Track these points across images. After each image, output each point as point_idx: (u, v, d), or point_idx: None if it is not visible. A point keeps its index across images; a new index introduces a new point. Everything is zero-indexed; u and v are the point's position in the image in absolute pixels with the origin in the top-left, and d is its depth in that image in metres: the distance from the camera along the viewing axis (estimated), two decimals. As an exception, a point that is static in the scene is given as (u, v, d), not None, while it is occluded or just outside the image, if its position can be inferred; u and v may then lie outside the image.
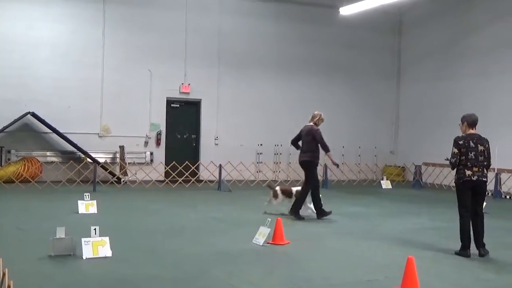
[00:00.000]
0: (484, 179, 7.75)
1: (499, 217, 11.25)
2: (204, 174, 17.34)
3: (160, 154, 17.96)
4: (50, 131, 16.21)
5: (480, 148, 7.74)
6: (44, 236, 7.58)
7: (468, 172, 7.69)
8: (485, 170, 7.78)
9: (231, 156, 17.57)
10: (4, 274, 4.25)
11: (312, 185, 10.81)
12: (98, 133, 17.33)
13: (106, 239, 7.14)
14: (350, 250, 8.09)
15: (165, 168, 16.88)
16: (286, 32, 19.56)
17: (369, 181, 19.40)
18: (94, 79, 17.18)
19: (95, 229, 7.13)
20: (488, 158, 7.81)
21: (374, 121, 20.87)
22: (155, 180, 16.33)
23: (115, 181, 16.13)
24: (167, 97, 18.17)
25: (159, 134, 18.04)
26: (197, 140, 18.74)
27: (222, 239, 8.54)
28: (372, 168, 20.28)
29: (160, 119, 18.10)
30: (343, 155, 18.90)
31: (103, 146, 17.27)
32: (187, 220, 10.40)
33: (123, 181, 16.37)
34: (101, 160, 16.57)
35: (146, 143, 17.93)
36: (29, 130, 16.43)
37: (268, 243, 8.09)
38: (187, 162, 16.86)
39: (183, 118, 18.60)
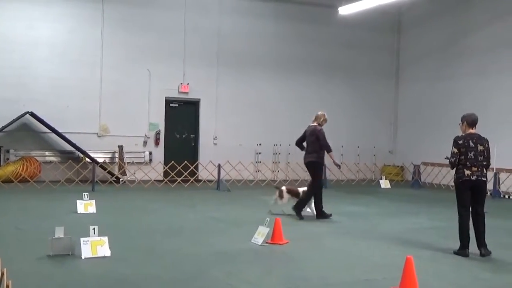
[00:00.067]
0: (483, 178, 7.76)
1: (497, 216, 11.25)
2: (203, 174, 17.35)
3: (159, 153, 17.96)
4: (48, 130, 16.20)
5: (480, 148, 7.75)
6: (43, 236, 7.57)
7: (467, 172, 7.69)
8: (484, 169, 7.78)
9: (230, 156, 17.57)
10: (2, 274, 4.25)
11: (318, 186, 10.86)
12: (97, 133, 17.33)
13: (105, 238, 7.14)
14: (348, 249, 8.10)
15: (164, 168, 16.88)
16: (285, 32, 19.56)
17: (368, 180, 19.41)
18: (93, 79, 17.18)
19: (94, 228, 7.13)
20: (487, 158, 7.82)
21: (373, 120, 20.88)
22: (154, 180, 16.33)
23: (114, 180, 16.12)
24: (166, 97, 18.17)
25: (158, 133, 18.04)
26: (196, 139, 18.74)
27: (221, 239, 8.55)
28: (371, 168, 20.30)
29: (159, 118, 18.10)
30: (342, 154, 18.89)
31: (102, 146, 17.27)
32: (186, 220, 10.40)
33: (122, 180, 16.36)
34: (100, 160, 16.56)
35: (145, 143, 17.93)
36: (28, 130, 16.42)
37: (266, 242, 8.09)
38: (186, 161, 16.85)
39: (182, 117, 18.60)
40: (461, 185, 7.77)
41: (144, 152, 17.82)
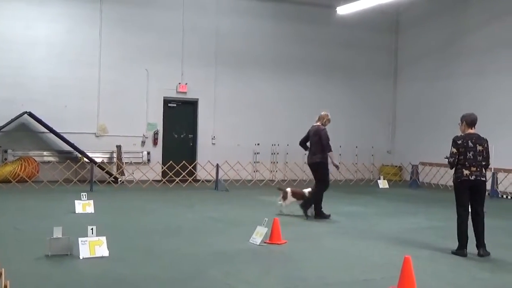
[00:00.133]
0: (482, 178, 7.76)
1: (496, 216, 11.25)
2: (201, 174, 17.34)
3: (157, 153, 17.95)
4: (47, 130, 16.19)
5: (479, 148, 7.75)
6: (41, 236, 7.57)
7: (466, 172, 7.70)
8: (483, 169, 7.78)
9: (228, 156, 17.57)
10: (0, 274, 4.24)
11: (325, 186, 10.92)
12: (95, 133, 17.32)
13: (103, 238, 7.14)
14: (347, 249, 8.10)
15: (162, 168, 16.87)
16: (284, 32, 19.56)
17: (366, 180, 19.42)
18: (91, 79, 17.15)
19: (92, 228, 7.12)
20: (486, 158, 7.81)
21: (371, 120, 20.90)
22: (152, 180, 16.31)
23: (112, 180, 16.10)
24: (164, 97, 18.16)
25: (156, 133, 18.02)
26: (194, 139, 18.74)
27: (219, 239, 8.55)
28: (369, 168, 20.31)
29: (157, 118, 18.09)
30: (340, 154, 18.85)
31: (100, 146, 17.26)
32: (184, 220, 10.40)
33: (120, 180, 16.34)
34: (98, 160, 16.53)
35: (143, 143, 17.92)
36: (26, 130, 16.40)
37: (265, 242, 8.09)
38: (184, 161, 16.84)
39: (180, 117, 18.59)
40: (460, 185, 7.77)
41: (142, 152, 17.81)
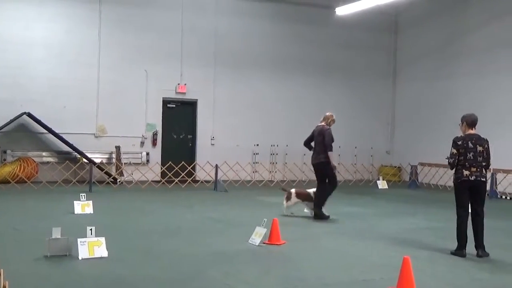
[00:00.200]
0: (482, 179, 7.75)
1: (495, 217, 11.25)
2: (200, 175, 17.31)
3: (156, 154, 17.95)
4: (46, 131, 16.18)
5: (479, 148, 7.74)
6: (40, 237, 7.56)
7: (466, 172, 7.70)
8: (483, 170, 7.77)
9: (227, 156, 17.56)
10: (-1, 275, 4.24)
11: (333, 186, 10.97)
12: (94, 133, 17.32)
13: (102, 239, 7.13)
14: (346, 250, 8.10)
15: (161, 169, 16.86)
16: (282, 32, 19.56)
17: (365, 181, 19.42)
18: (90, 79, 17.15)
19: (91, 229, 7.12)
20: (487, 159, 7.80)
21: (370, 121, 20.90)
22: (151, 181, 16.30)
23: (111, 181, 16.09)
24: (163, 97, 18.16)
25: (155, 134, 18.02)
26: (193, 140, 18.73)
27: (218, 239, 8.54)
28: (368, 168, 20.31)
29: (156, 119, 18.08)
30: (339, 155, 18.83)
31: (99, 146, 17.25)
32: (183, 221, 10.39)
33: (119, 181, 16.33)
34: (97, 161, 16.52)
35: (142, 144, 17.91)
36: (25, 130, 16.39)
37: (264, 243, 8.09)
38: (183, 162, 16.82)
39: (179, 118, 18.59)
40: (460, 186, 7.77)
41: (141, 153, 17.81)
